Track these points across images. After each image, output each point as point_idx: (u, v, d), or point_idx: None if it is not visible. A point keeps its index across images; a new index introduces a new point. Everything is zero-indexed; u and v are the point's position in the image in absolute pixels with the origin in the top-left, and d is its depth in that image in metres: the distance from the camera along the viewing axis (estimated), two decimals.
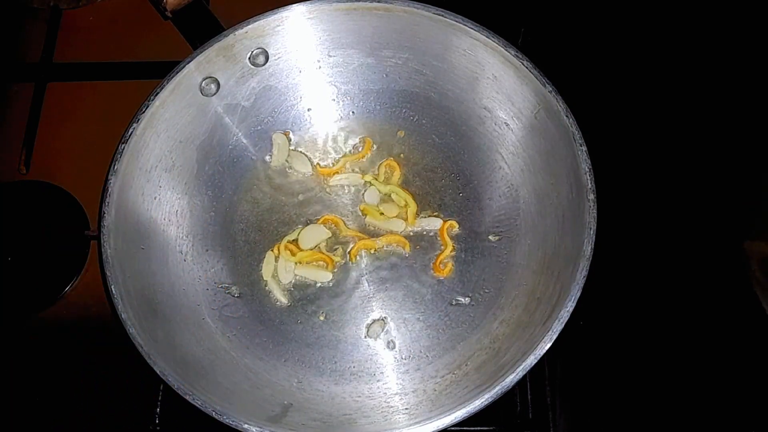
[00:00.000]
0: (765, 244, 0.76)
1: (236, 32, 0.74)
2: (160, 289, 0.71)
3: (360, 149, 0.83)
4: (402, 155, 0.82)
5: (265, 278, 0.77)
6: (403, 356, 0.73)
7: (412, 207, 0.79)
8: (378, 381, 0.72)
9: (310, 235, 0.78)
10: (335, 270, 0.77)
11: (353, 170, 0.82)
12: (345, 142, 0.83)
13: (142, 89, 0.73)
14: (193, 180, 0.78)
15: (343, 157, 0.83)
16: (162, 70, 0.74)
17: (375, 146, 0.83)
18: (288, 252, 0.78)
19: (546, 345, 0.61)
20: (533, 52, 0.71)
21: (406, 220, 0.79)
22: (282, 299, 0.76)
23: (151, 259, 0.72)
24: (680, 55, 0.88)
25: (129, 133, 0.70)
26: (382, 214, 0.79)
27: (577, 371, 0.75)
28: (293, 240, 0.78)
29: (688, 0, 0.89)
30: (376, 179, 0.81)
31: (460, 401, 0.62)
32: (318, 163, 0.83)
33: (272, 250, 0.78)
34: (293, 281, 0.77)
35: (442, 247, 0.78)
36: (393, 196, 0.80)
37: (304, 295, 0.77)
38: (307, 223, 0.80)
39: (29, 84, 0.90)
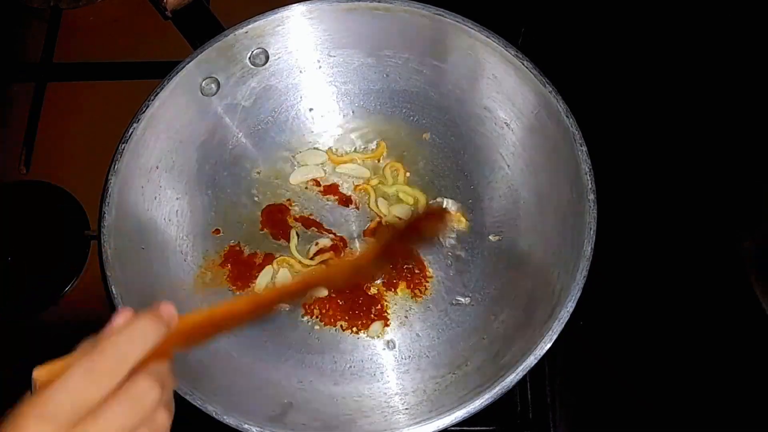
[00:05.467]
0: (765, 244, 0.76)
1: (236, 32, 0.74)
2: (160, 289, 0.71)
3: (369, 148, 0.83)
4: (402, 155, 0.82)
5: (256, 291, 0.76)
6: (403, 356, 0.73)
7: (422, 199, 0.79)
8: (378, 381, 0.72)
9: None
10: None
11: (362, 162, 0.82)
12: (345, 142, 0.83)
13: (142, 89, 0.73)
14: (193, 180, 0.78)
15: (355, 153, 0.82)
16: (162, 70, 0.74)
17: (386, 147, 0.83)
18: (288, 266, 0.77)
19: (546, 345, 0.61)
20: (533, 52, 0.71)
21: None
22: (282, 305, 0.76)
23: (151, 259, 0.72)
24: (680, 55, 0.88)
25: (129, 133, 0.70)
26: (400, 219, 0.78)
27: (577, 371, 0.75)
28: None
29: (688, 0, 0.89)
30: (382, 183, 0.81)
31: (460, 401, 0.62)
32: (330, 149, 0.83)
33: (272, 265, 0.77)
34: None
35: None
36: (401, 195, 0.80)
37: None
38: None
39: (29, 84, 0.90)
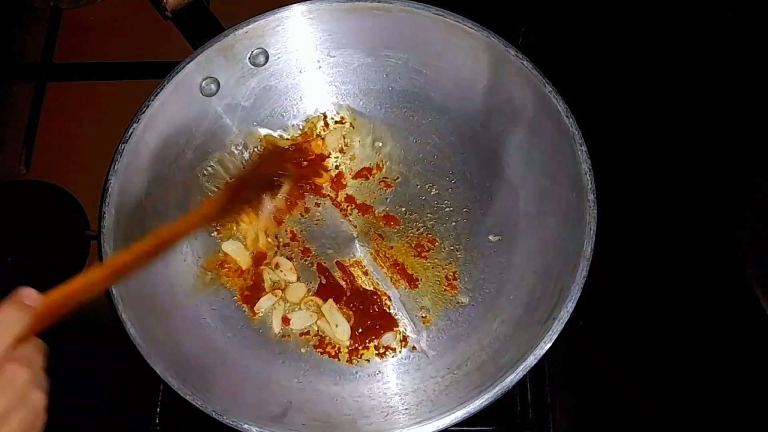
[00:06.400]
0: (765, 245, 0.76)
1: (236, 32, 0.74)
2: (160, 289, 0.71)
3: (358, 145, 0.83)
4: (402, 155, 0.82)
5: (257, 312, 0.75)
6: (403, 356, 0.73)
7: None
8: (378, 381, 0.72)
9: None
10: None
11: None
12: (345, 142, 0.83)
13: (142, 89, 0.74)
14: (194, 180, 0.78)
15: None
16: (162, 70, 0.74)
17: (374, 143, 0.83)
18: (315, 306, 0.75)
19: (546, 345, 0.61)
20: (533, 52, 0.71)
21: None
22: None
23: None
24: (680, 56, 0.88)
25: (129, 133, 0.70)
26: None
27: (577, 371, 0.75)
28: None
29: (688, 0, 0.89)
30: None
31: (460, 401, 0.62)
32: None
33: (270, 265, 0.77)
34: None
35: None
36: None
37: None
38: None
39: (29, 84, 0.90)
